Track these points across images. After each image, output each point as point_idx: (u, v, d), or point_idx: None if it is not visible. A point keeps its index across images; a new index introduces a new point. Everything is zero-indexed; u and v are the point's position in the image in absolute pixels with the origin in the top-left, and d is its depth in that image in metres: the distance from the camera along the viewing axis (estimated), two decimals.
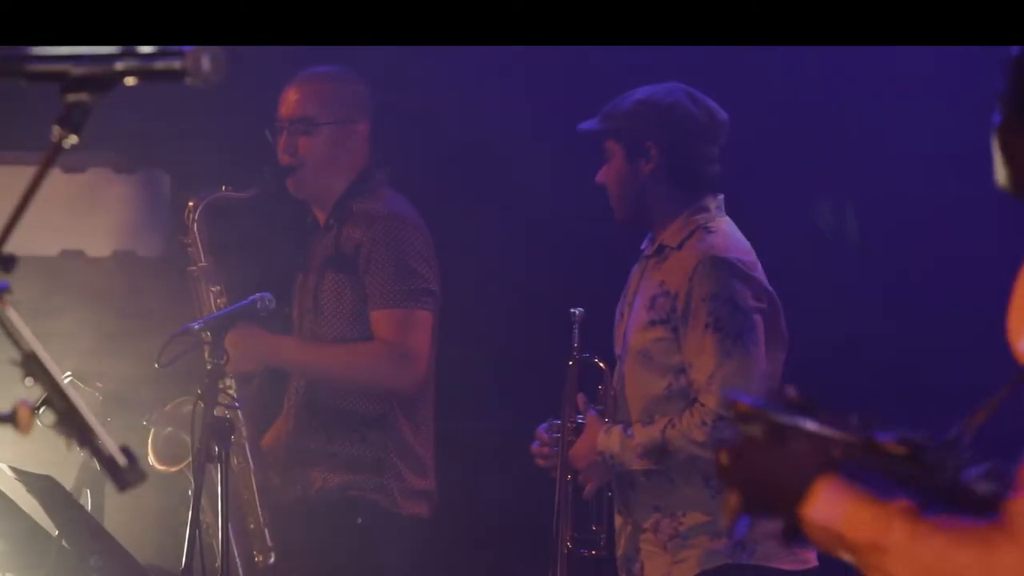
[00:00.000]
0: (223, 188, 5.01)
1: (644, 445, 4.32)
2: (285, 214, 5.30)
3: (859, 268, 5.82)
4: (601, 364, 4.57)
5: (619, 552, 4.49)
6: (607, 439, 4.39)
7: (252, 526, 4.92)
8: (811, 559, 4.36)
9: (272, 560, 4.91)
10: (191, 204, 5.04)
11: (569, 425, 4.51)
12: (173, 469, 4.84)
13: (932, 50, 5.32)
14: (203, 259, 5.03)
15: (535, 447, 4.57)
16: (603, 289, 4.78)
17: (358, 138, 5.06)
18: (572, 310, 4.62)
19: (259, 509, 4.93)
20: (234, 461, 4.76)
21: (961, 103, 5.69)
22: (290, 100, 5.04)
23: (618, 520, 4.50)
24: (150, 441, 4.87)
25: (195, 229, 5.02)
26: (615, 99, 4.51)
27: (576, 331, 4.60)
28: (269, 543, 4.91)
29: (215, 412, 4.42)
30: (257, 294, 4.58)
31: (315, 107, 5.02)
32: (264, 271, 5.21)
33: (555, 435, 4.53)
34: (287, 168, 5.00)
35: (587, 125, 4.52)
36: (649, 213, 4.47)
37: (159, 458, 4.86)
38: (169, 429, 4.86)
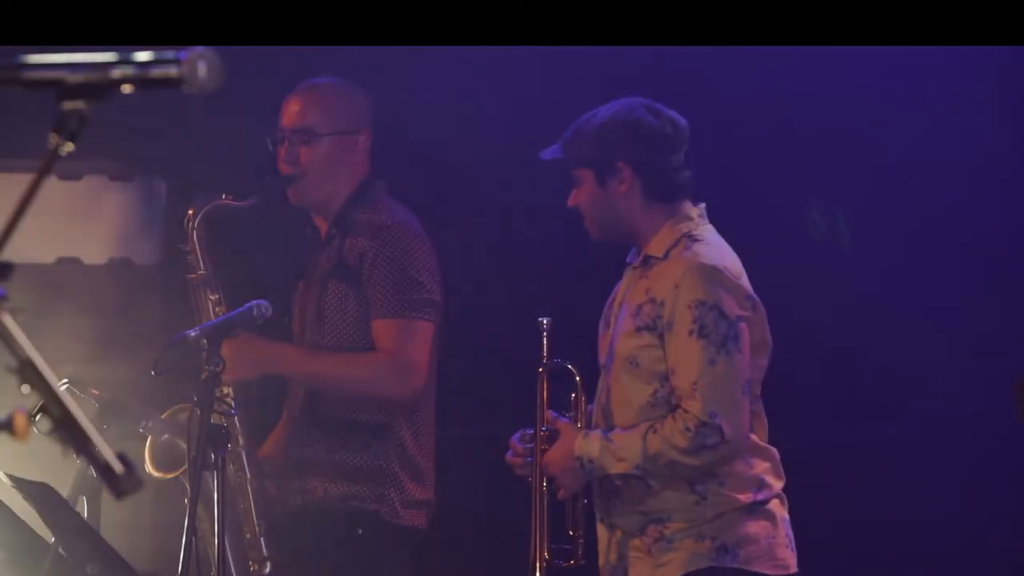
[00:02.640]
0: (223, 196, 5.01)
1: (624, 449, 4.33)
2: (285, 223, 5.29)
3: (845, 276, 5.82)
4: (573, 369, 4.57)
5: (602, 562, 4.49)
6: (585, 443, 4.39)
7: (248, 535, 4.92)
8: (791, 564, 4.39)
9: (268, 570, 4.90)
10: (191, 212, 5.04)
11: (542, 433, 4.52)
12: (169, 476, 4.84)
13: (923, 50, 5.32)
14: (202, 267, 5.03)
15: (509, 456, 4.58)
16: (579, 296, 4.78)
17: (359, 148, 5.06)
18: (540, 319, 4.63)
19: (255, 518, 4.92)
20: (230, 469, 4.76)
21: (959, 105, 5.71)
22: (292, 110, 5.04)
23: (602, 531, 4.50)
24: (147, 448, 4.87)
25: (194, 237, 5.02)
26: (575, 124, 4.51)
27: (544, 339, 4.61)
28: (265, 552, 4.91)
29: (211, 419, 4.41)
30: (253, 301, 4.57)
31: (316, 117, 5.02)
32: (264, 280, 5.20)
33: (528, 445, 4.54)
34: (288, 177, 5.00)
35: (550, 154, 4.52)
36: (630, 230, 4.48)
37: (156, 465, 4.85)
38: (165, 436, 4.86)
